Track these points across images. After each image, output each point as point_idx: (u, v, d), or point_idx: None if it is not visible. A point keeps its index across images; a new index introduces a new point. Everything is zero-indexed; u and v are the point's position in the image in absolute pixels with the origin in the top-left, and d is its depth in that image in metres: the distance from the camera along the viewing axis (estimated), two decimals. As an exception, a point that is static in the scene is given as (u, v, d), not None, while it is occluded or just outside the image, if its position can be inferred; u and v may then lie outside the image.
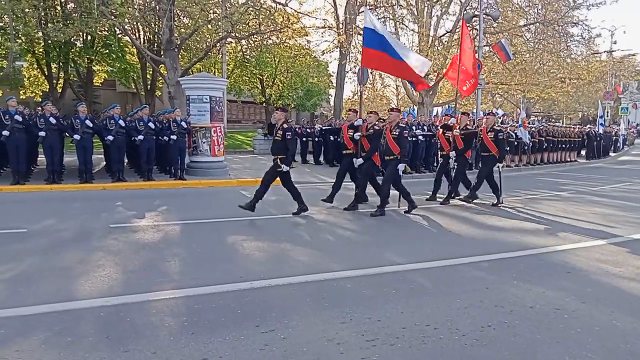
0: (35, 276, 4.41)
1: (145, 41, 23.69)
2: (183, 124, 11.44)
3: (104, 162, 12.49)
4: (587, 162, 21.22)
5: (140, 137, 10.66)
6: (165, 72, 15.58)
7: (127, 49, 24.51)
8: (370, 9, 20.60)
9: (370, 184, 8.35)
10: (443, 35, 21.81)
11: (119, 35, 22.19)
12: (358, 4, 21.53)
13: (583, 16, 41.63)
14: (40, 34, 18.14)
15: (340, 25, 22.07)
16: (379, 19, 21.00)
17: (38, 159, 11.87)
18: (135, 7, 16.91)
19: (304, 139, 17.62)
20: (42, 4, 17.12)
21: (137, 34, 22.75)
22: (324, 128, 16.11)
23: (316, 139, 16.75)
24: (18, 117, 9.70)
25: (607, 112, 30.88)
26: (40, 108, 11.21)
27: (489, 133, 8.82)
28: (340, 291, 4.16)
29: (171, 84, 15.13)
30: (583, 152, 22.45)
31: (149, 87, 26.04)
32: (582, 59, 25.61)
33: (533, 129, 18.53)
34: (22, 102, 15.65)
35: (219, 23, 15.63)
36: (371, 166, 8.10)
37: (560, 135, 19.28)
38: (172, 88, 15.10)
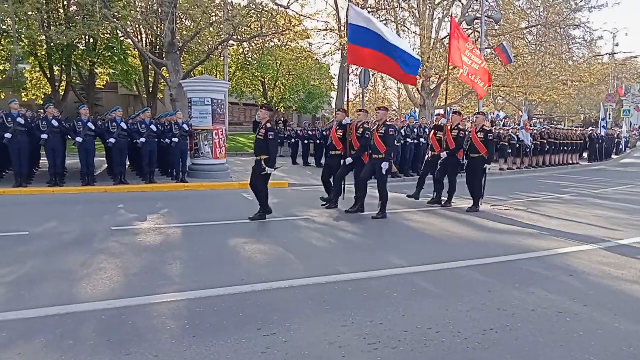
0: (37, 279, 4.42)
1: (148, 44, 23.77)
2: (185, 126, 11.46)
3: (106, 165, 12.53)
4: (589, 165, 21.18)
5: (143, 139, 10.69)
6: (168, 75, 15.62)
7: (129, 52, 24.57)
8: (372, 11, 20.68)
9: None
10: (445, 37, 21.80)
11: (122, 38, 22.24)
12: (360, 6, 21.56)
13: (585, 18, 41.72)
14: (43, 36, 18.17)
15: (342, 28, 22.08)
16: (380, 21, 21.05)
17: (40, 161, 11.90)
18: (138, 10, 16.98)
19: (306, 141, 17.64)
20: (45, 7, 17.20)
21: (139, 37, 22.83)
22: (324, 130, 16.13)
23: (318, 141, 16.77)
24: (20, 120, 9.73)
25: (609, 114, 30.83)
26: (42, 111, 11.24)
27: (479, 133, 8.55)
28: (342, 294, 4.15)
29: (173, 86, 15.16)
30: (585, 155, 22.41)
31: (151, 89, 26.09)
32: (584, 61, 25.59)
33: (535, 131, 18.53)
34: (25, 105, 15.67)
35: (221, 26, 15.69)
36: (346, 169, 8.15)
37: (562, 138, 19.25)
38: (174, 91, 15.14)
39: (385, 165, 7.62)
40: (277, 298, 4.04)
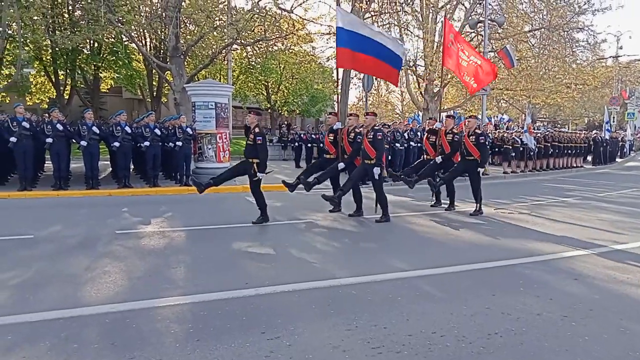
0: (42, 282, 4.43)
1: (152, 48, 23.90)
2: (189, 130, 11.51)
3: (110, 169, 12.57)
4: (594, 168, 21.10)
5: (146, 143, 10.73)
6: (171, 79, 15.70)
7: (133, 56, 24.73)
8: (374, 15, 20.73)
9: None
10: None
11: (126, 43, 22.40)
12: (363, 10, 21.61)
13: (588, 21, 41.78)
14: (48, 41, 18.35)
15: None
16: (383, 25, 21.08)
17: (45, 165, 11.95)
18: (142, 14, 17.07)
19: (309, 144, 17.67)
20: (50, 11, 17.33)
21: (143, 41, 22.94)
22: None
23: (321, 144, 16.78)
24: (25, 124, 9.79)
25: (613, 117, 30.77)
26: (47, 115, 11.31)
27: (470, 137, 8.48)
28: (345, 298, 4.14)
29: (177, 90, 15.22)
30: (589, 158, 22.33)
31: (155, 93, 26.23)
32: (588, 64, 25.52)
33: (539, 134, 18.49)
34: (30, 109, 15.76)
35: (225, 30, 15.75)
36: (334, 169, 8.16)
37: (566, 141, 19.18)
38: (178, 95, 15.20)
39: (376, 170, 7.63)
40: (280, 302, 4.04)
